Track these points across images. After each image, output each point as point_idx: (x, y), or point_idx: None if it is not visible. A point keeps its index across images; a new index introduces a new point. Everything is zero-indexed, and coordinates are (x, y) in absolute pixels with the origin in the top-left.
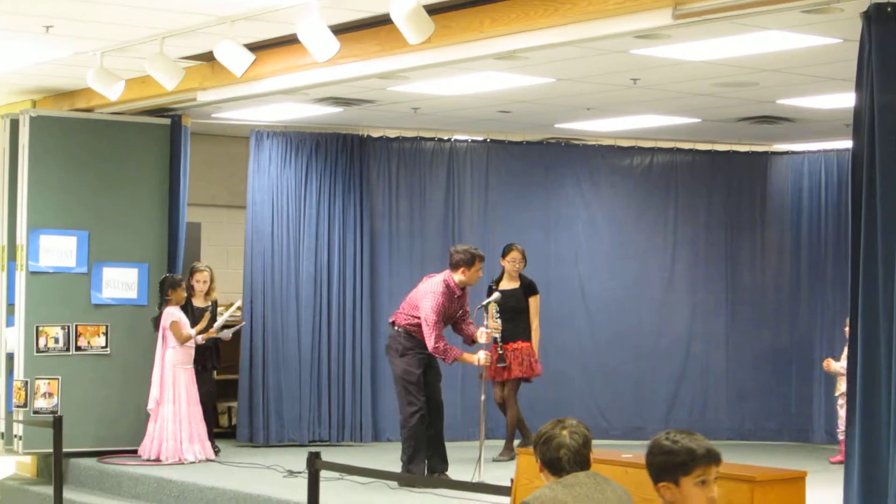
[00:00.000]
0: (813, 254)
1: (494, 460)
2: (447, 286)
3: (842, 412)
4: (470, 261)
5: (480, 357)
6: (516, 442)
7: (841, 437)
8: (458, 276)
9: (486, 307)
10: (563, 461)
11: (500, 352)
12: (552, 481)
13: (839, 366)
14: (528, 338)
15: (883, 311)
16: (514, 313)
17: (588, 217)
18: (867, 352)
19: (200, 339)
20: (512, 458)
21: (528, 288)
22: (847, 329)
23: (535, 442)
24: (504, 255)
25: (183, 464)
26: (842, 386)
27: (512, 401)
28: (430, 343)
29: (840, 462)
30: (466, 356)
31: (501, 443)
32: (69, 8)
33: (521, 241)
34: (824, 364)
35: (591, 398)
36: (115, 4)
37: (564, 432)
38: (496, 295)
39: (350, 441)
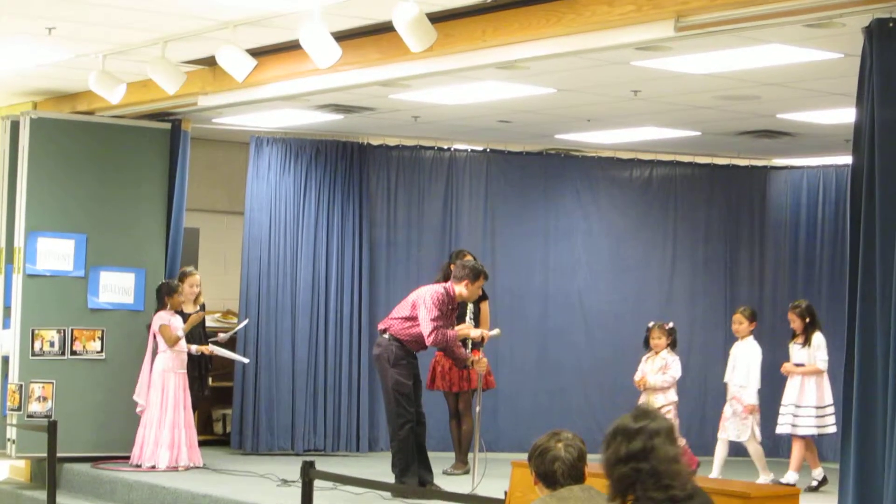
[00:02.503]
0: (809, 269)
1: (445, 473)
2: (448, 293)
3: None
4: (475, 276)
5: (479, 332)
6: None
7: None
8: (458, 289)
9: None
10: (557, 474)
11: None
12: (546, 494)
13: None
14: (481, 347)
15: (880, 328)
16: (471, 321)
17: (587, 229)
18: (863, 369)
19: (194, 349)
20: (466, 472)
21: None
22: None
23: (530, 454)
24: (453, 261)
25: (173, 469)
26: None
27: (468, 412)
28: (426, 331)
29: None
30: (462, 332)
31: (503, 455)
32: (71, 10)
33: (519, 252)
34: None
35: (589, 411)
36: (118, 7)
37: (559, 445)
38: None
39: (345, 451)
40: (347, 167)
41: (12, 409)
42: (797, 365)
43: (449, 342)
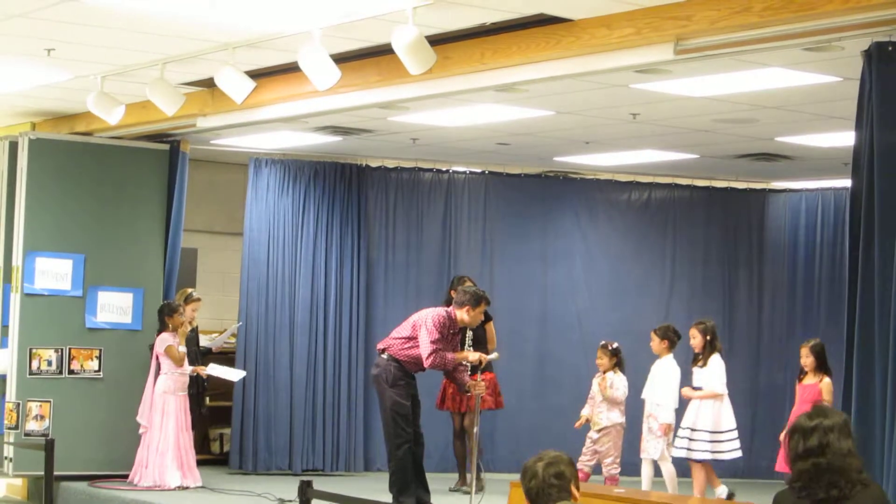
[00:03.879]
0: (807, 292)
1: (451, 490)
2: (449, 316)
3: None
4: (476, 302)
5: (476, 356)
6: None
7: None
8: (460, 314)
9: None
10: (533, 492)
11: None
12: None
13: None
14: (492, 368)
15: (878, 351)
16: (477, 344)
17: (585, 251)
18: (861, 392)
19: (189, 370)
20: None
21: (485, 315)
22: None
23: (521, 473)
24: (454, 287)
25: (173, 490)
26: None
27: (472, 432)
28: (426, 353)
29: None
30: (461, 355)
31: (502, 476)
32: (71, 31)
33: (518, 274)
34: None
35: (587, 432)
36: (117, 29)
37: (539, 465)
38: (495, 354)
39: (343, 470)
40: (346, 188)
41: (10, 428)
42: (695, 388)
43: (447, 365)
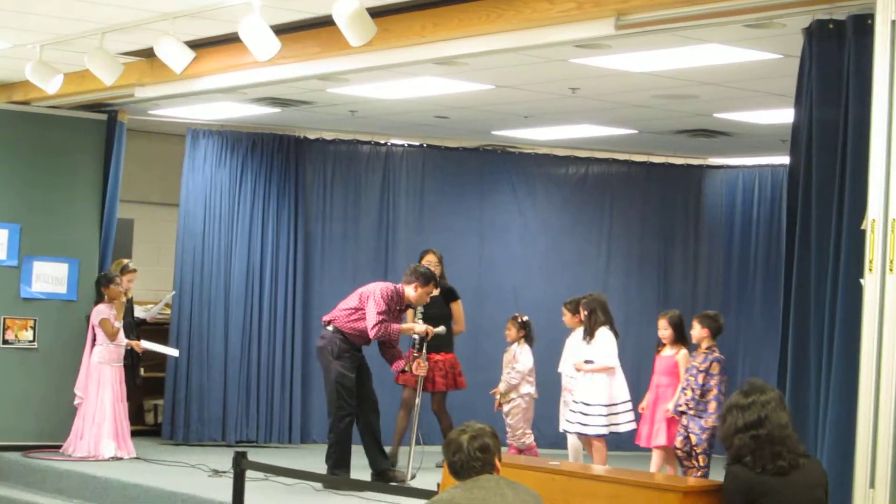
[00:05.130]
0: (742, 268)
1: (438, 466)
2: (397, 291)
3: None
4: (425, 281)
5: (423, 327)
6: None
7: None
8: (408, 290)
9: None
10: (457, 465)
11: (417, 355)
12: (454, 485)
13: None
14: (451, 349)
15: (814, 328)
16: (437, 321)
17: (523, 225)
18: (797, 368)
19: (124, 343)
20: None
21: (449, 293)
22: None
23: (444, 445)
24: (420, 260)
25: (106, 460)
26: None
27: (443, 412)
28: (371, 322)
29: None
30: (406, 327)
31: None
32: (9, 0)
33: (456, 248)
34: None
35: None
36: None
37: (464, 437)
38: (441, 328)
39: (277, 442)
40: (284, 160)
41: None
42: (587, 362)
43: (392, 335)
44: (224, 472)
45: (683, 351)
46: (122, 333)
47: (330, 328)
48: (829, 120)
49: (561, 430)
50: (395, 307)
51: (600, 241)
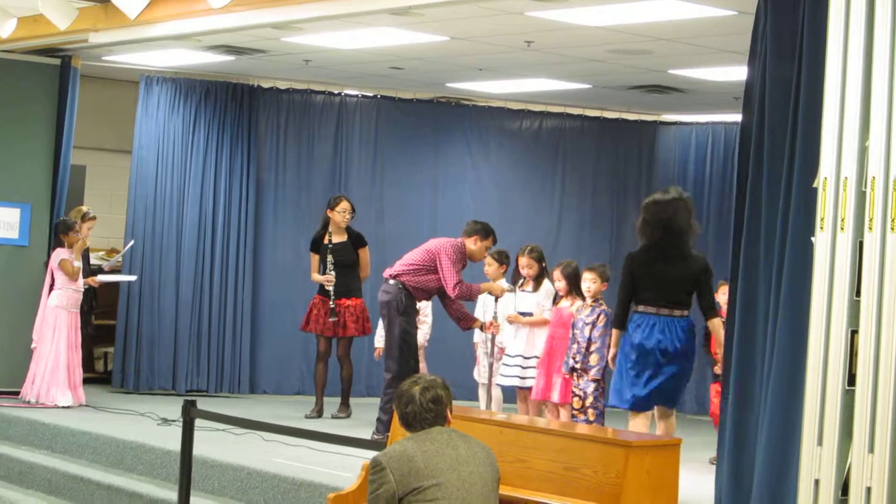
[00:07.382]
0: None
1: (333, 416)
2: (464, 245)
3: None
4: (486, 233)
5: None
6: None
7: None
8: (469, 244)
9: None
10: (409, 416)
11: (332, 306)
12: (406, 437)
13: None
14: (360, 294)
15: (762, 286)
16: (346, 267)
17: (476, 178)
18: (745, 326)
19: (82, 283)
20: (349, 416)
21: (357, 239)
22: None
23: (395, 397)
24: (333, 207)
25: (56, 407)
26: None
27: (347, 358)
28: (452, 281)
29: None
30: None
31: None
32: None
33: (408, 199)
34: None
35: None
36: None
37: (416, 389)
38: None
39: (227, 392)
40: (237, 109)
41: None
42: (524, 314)
43: (472, 295)
44: (173, 420)
45: (578, 301)
46: (80, 277)
47: (392, 282)
48: (782, 78)
49: (482, 382)
50: (463, 262)
51: (553, 195)
